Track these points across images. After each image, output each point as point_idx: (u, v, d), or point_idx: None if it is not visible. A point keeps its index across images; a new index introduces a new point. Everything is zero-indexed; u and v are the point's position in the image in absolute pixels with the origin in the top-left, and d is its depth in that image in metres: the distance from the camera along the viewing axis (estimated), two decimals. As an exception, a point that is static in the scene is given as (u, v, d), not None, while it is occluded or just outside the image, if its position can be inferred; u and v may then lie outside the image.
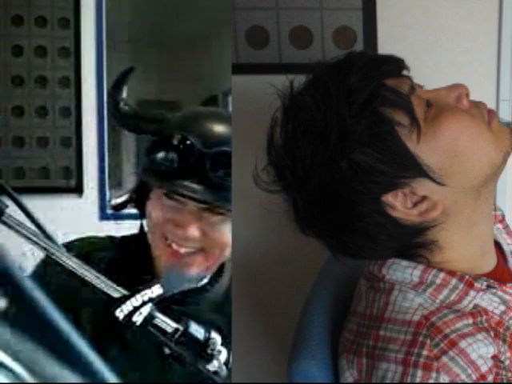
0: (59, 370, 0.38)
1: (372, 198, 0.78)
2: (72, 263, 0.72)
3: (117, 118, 0.91)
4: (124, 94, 0.91)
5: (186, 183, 0.81)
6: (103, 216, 1.96)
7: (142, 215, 0.90)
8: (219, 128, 0.85)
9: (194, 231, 0.83)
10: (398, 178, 0.77)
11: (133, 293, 0.73)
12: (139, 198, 0.89)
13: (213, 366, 0.74)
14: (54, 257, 0.72)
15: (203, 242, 0.84)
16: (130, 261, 0.89)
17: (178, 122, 0.87)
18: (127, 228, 0.94)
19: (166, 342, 0.73)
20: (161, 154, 0.83)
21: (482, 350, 0.77)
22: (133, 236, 0.92)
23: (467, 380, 0.74)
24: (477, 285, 0.82)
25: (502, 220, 1.02)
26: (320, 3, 1.34)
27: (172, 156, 0.82)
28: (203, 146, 0.81)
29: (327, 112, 0.76)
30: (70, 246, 0.88)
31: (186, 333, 0.73)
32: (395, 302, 0.81)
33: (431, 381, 0.74)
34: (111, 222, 1.87)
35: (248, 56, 1.40)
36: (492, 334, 0.80)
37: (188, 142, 0.82)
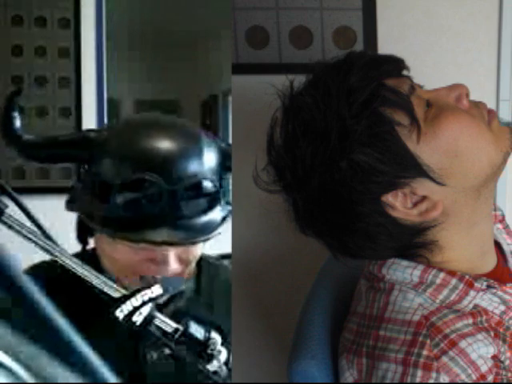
0: (59, 371, 0.38)
1: (372, 198, 0.77)
2: (72, 263, 0.72)
3: (22, 151, 0.78)
4: (18, 123, 0.78)
5: (156, 232, 0.74)
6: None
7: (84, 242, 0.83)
8: (164, 145, 0.75)
9: (176, 265, 0.80)
10: (398, 177, 0.77)
11: (133, 293, 0.72)
12: (81, 229, 0.82)
13: (213, 366, 0.74)
14: (54, 257, 0.72)
15: (183, 266, 0.83)
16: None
17: (113, 147, 0.75)
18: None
19: (166, 342, 0.73)
20: (119, 199, 0.73)
21: (481, 350, 0.77)
22: (78, 254, 0.85)
23: (467, 380, 0.74)
24: (477, 285, 0.82)
25: (502, 220, 1.02)
26: (320, 3, 1.34)
27: (131, 202, 0.72)
28: (164, 182, 0.72)
29: (327, 112, 0.76)
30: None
31: (186, 333, 0.73)
32: (395, 301, 0.81)
33: (431, 381, 0.74)
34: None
35: (248, 56, 1.40)
36: (492, 334, 0.80)
37: (146, 184, 0.72)
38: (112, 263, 0.82)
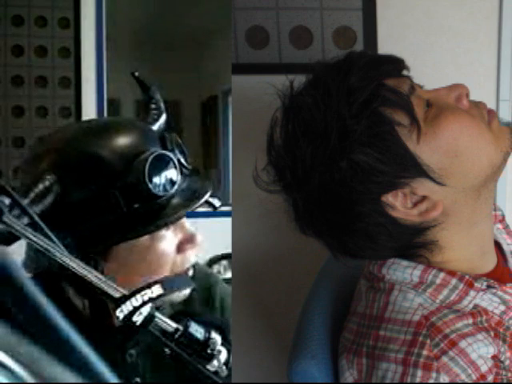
0: (59, 371, 0.38)
1: (372, 198, 0.78)
2: (72, 263, 0.72)
3: None
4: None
5: (175, 202, 0.78)
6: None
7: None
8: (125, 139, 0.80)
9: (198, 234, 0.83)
10: (398, 177, 0.77)
11: (133, 293, 0.72)
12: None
13: (213, 365, 0.74)
14: (54, 257, 0.72)
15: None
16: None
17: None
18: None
19: (165, 341, 0.73)
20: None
21: (482, 350, 0.77)
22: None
23: (467, 380, 0.74)
24: (477, 285, 0.82)
25: (502, 220, 1.02)
26: (320, 3, 1.34)
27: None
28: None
29: (327, 112, 0.76)
30: None
31: (186, 333, 0.73)
32: (395, 301, 0.81)
33: (431, 381, 0.74)
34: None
35: (248, 56, 1.40)
36: (492, 333, 0.80)
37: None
38: (147, 268, 0.83)
